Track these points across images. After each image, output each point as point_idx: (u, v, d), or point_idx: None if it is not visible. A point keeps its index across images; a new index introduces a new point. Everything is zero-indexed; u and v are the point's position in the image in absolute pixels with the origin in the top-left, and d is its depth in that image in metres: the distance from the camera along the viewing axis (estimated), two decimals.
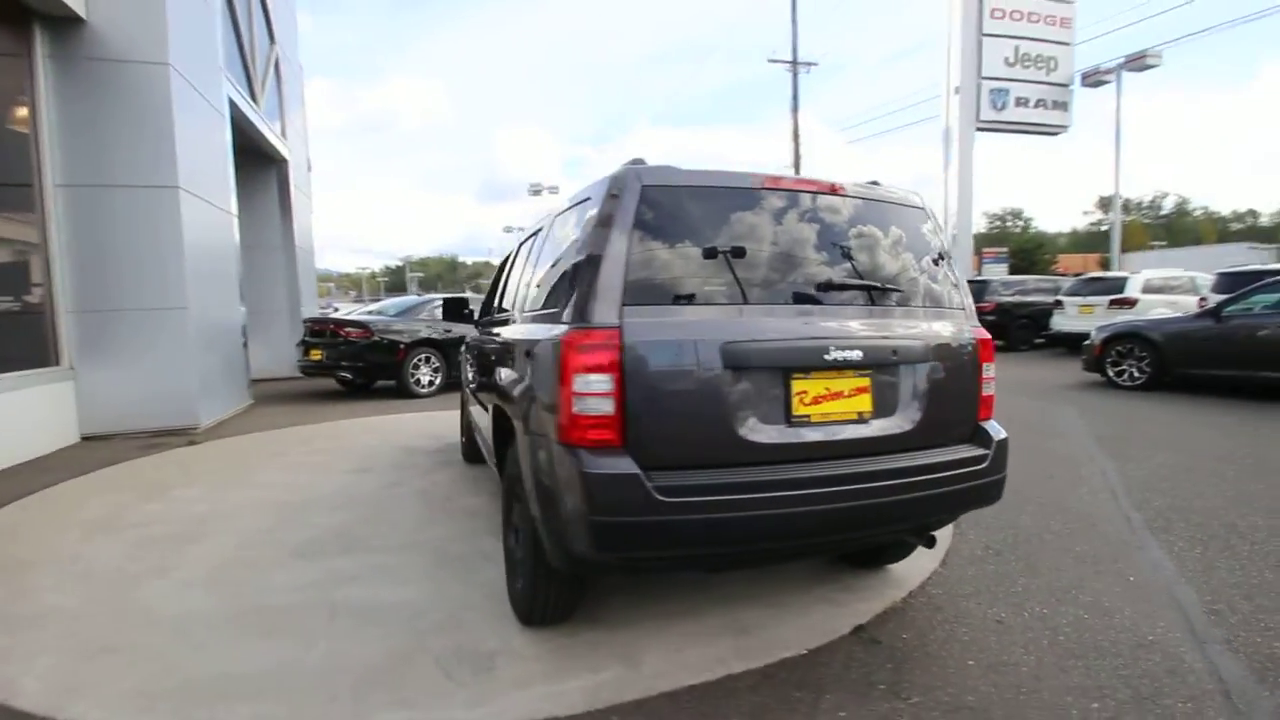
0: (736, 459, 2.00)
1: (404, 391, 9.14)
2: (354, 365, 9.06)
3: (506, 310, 3.49)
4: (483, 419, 3.65)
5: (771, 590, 2.83)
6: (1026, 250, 38.17)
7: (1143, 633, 2.45)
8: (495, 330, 3.41)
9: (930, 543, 2.53)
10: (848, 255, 2.27)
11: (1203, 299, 10.72)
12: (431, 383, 9.35)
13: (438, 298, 10.22)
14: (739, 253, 2.09)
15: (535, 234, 3.31)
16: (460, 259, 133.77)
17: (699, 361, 1.97)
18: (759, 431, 2.02)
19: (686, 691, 2.13)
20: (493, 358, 3.20)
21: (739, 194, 2.18)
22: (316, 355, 9.22)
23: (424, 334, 9.38)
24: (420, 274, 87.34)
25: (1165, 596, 2.74)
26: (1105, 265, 26.92)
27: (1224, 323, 7.52)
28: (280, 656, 2.36)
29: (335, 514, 3.98)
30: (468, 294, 7.04)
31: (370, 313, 10.54)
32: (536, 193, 35.67)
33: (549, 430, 2.06)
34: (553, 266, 2.64)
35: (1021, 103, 15.77)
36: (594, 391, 1.92)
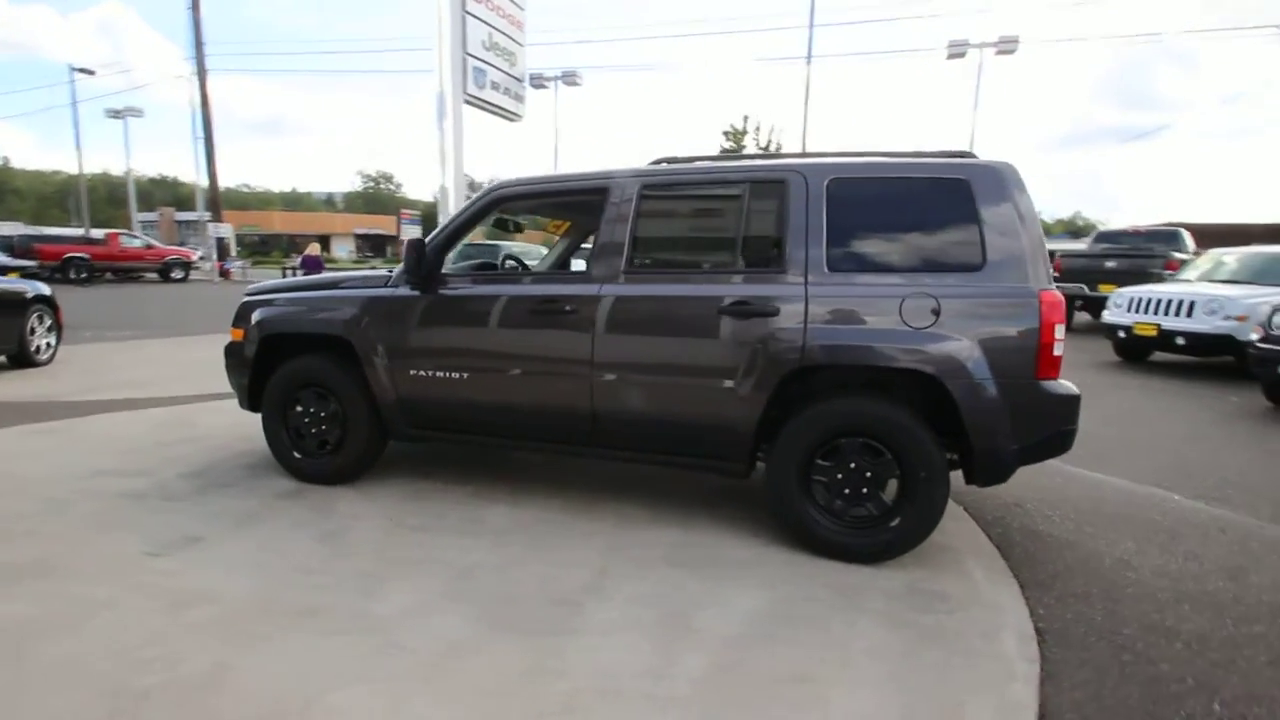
0: None
1: None
2: None
3: (650, 267, 3.04)
4: (562, 397, 3.10)
5: None
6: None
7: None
8: (698, 292, 2.94)
9: None
10: None
11: None
12: None
13: None
14: None
15: (721, 188, 3.01)
16: None
17: None
18: None
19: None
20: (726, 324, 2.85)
21: None
22: None
23: None
24: None
25: None
26: None
27: None
28: None
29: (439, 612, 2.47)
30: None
31: None
32: None
33: (1018, 371, 2.55)
34: (878, 231, 2.80)
35: (495, 86, 17.81)
36: (1060, 338, 2.59)
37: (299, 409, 3.59)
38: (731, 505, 3.42)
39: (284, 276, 18.73)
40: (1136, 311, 8.47)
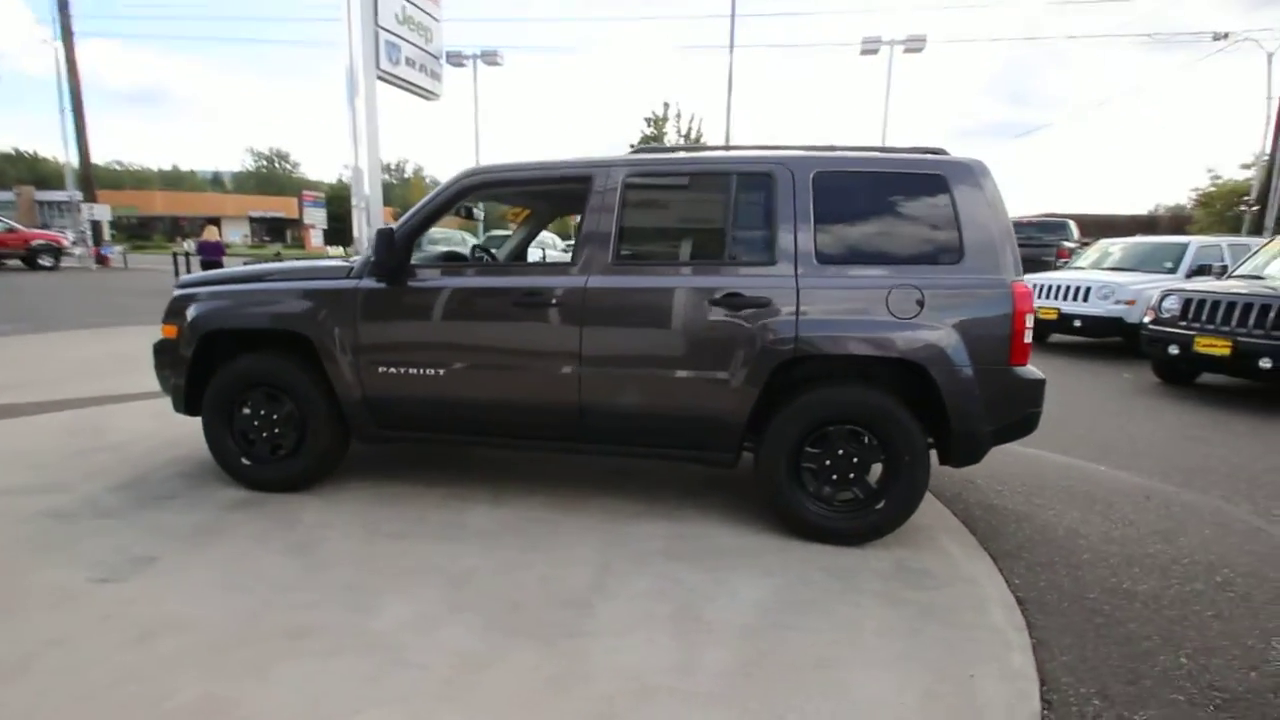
0: None
1: None
2: None
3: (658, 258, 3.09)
4: (561, 391, 3.00)
5: None
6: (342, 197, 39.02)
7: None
8: (702, 285, 2.90)
9: None
10: None
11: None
12: None
13: None
14: None
15: (708, 181, 3.02)
16: None
17: None
18: None
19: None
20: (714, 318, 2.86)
21: None
22: None
23: None
24: None
25: None
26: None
27: None
28: None
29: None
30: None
31: None
32: None
33: (994, 358, 2.71)
34: (862, 224, 2.86)
35: (410, 63, 16.98)
36: (1030, 326, 2.76)
37: (247, 411, 3.31)
38: (716, 494, 3.46)
39: (175, 263, 17.15)
40: (1038, 297, 9.22)
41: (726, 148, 3.12)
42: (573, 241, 3.26)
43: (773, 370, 2.81)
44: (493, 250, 4.28)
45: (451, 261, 3.73)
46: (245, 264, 13.83)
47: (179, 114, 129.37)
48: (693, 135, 32.44)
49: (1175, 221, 29.70)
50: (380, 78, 16.74)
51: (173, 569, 2.54)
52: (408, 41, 17.49)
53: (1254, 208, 20.10)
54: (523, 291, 2.99)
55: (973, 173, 2.84)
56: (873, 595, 2.50)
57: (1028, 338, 2.77)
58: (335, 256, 24.60)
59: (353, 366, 3.14)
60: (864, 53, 18.10)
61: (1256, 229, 19.04)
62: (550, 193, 3.66)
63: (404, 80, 17.71)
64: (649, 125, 32.24)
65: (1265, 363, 5.80)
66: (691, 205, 3.14)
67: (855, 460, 2.85)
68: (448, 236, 18.61)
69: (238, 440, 3.34)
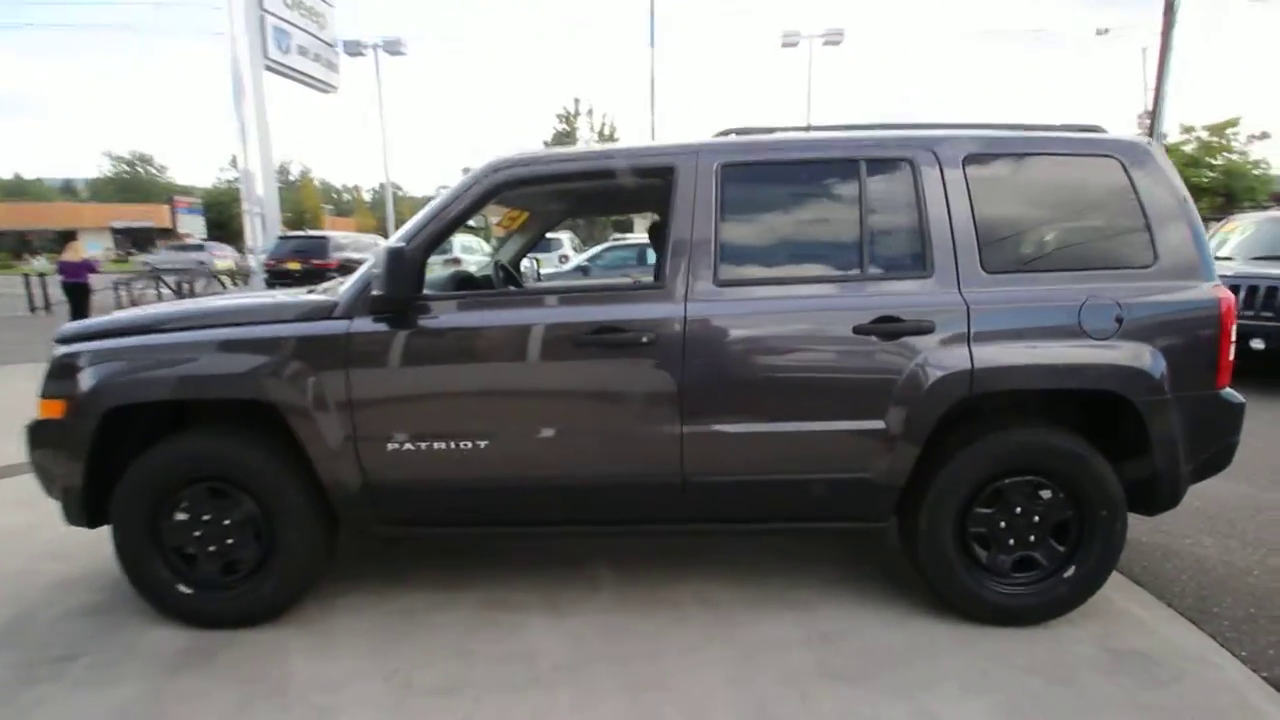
0: None
1: None
2: None
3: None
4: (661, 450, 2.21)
5: None
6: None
7: None
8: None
9: None
10: None
11: None
12: None
13: None
14: None
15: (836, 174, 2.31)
16: None
17: None
18: None
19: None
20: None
21: None
22: None
23: None
24: None
25: None
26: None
27: None
28: None
29: None
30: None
31: None
32: None
33: (1199, 382, 2.20)
34: (1031, 221, 2.28)
35: (302, 51, 15.27)
36: (1235, 340, 2.25)
37: (182, 517, 2.29)
38: (824, 559, 2.78)
39: (28, 287, 14.50)
40: None
41: (850, 127, 2.42)
42: (581, 256, 2.43)
43: (944, 414, 2.16)
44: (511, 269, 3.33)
45: (476, 289, 2.83)
46: (116, 282, 11.51)
47: (17, 115, 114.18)
48: (606, 133, 31.75)
49: None
50: (269, 68, 14.89)
51: None
52: (298, 28, 15.64)
53: None
54: (594, 326, 2.17)
55: (1150, 154, 2.30)
56: (1116, 706, 1.91)
57: (1232, 354, 2.27)
58: (224, 270, 21.89)
59: (348, 444, 2.20)
60: (785, 46, 18.05)
61: None
62: (608, 190, 2.83)
63: (296, 71, 15.89)
64: (560, 121, 31.25)
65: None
66: (810, 202, 2.41)
67: (1036, 519, 2.26)
68: (357, 240, 16.68)
69: (169, 560, 2.31)
